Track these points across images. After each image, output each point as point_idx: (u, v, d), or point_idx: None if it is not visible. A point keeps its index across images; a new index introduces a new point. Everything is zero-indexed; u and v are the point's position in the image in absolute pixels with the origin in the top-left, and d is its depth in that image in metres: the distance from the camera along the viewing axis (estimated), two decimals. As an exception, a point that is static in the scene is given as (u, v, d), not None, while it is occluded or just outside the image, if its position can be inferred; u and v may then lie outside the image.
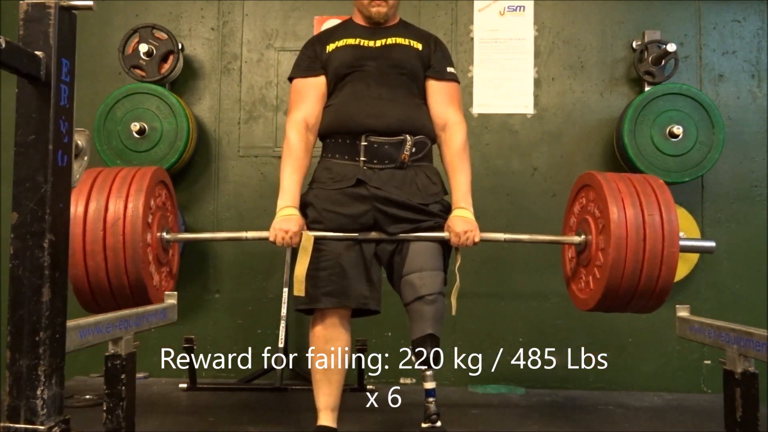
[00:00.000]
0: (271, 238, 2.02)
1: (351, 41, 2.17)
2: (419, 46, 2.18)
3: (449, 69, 2.20)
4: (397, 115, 2.09)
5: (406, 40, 2.18)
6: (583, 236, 2.25)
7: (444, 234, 2.04)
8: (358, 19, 2.24)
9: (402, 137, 2.08)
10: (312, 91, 2.16)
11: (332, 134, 2.13)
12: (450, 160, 2.14)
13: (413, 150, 2.09)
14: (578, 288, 2.33)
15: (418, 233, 2.05)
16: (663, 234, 2.06)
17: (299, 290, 2.00)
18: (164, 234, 2.21)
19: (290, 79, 2.22)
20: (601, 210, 2.16)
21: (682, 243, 2.12)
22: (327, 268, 2.01)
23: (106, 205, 2.01)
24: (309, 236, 2.01)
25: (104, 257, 2.00)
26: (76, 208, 1.98)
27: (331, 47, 2.17)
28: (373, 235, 2.05)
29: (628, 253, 2.05)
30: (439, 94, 2.18)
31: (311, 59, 2.19)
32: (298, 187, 2.09)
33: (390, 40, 2.17)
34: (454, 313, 2.08)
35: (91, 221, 1.99)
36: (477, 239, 2.05)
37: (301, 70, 2.20)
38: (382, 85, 2.11)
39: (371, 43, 2.17)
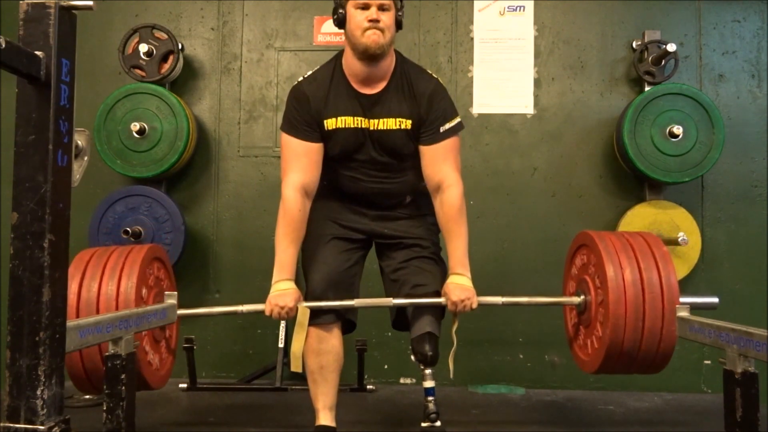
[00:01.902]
0: (267, 312, 2.01)
1: (350, 121, 2.04)
2: (409, 124, 2.04)
3: (443, 128, 2.04)
4: (397, 193, 2.15)
5: (397, 122, 2.03)
6: (582, 296, 2.20)
7: (441, 300, 2.04)
8: (351, 73, 2.04)
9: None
10: (312, 155, 2.05)
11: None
12: (445, 224, 2.07)
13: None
14: (581, 349, 2.29)
15: (414, 300, 2.06)
16: (662, 292, 2.02)
17: (296, 367, 2.01)
18: None
19: (282, 129, 2.09)
20: (598, 270, 2.12)
21: (682, 300, 2.05)
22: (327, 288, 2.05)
23: (99, 291, 1.99)
24: (305, 310, 2.00)
25: (99, 350, 1.92)
26: (70, 288, 1.94)
27: (330, 124, 2.04)
28: (368, 302, 2.07)
29: (628, 313, 2.01)
30: (430, 157, 2.06)
31: (308, 125, 2.04)
32: (294, 260, 2.05)
33: (381, 124, 2.04)
34: (452, 376, 2.10)
35: (84, 306, 1.97)
36: (474, 305, 2.04)
37: (297, 132, 2.05)
38: (380, 170, 2.09)
39: (366, 124, 2.04)
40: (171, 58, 3.14)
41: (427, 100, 2.04)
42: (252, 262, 3.26)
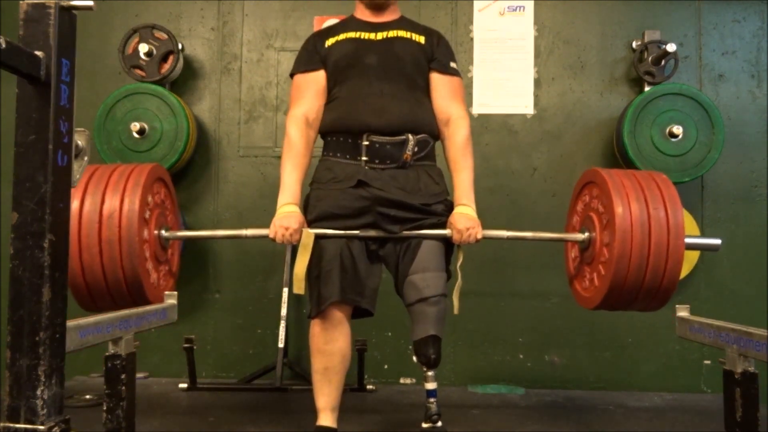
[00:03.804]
0: (271, 235, 2.01)
1: (351, 34, 2.15)
2: (422, 39, 2.16)
3: (452, 64, 2.19)
4: (399, 112, 2.06)
5: (408, 34, 2.16)
6: (587, 233, 2.23)
7: (446, 231, 2.04)
8: (360, 14, 2.21)
9: (404, 137, 2.06)
10: (312, 85, 2.14)
11: (333, 132, 2.12)
12: (452, 157, 2.13)
13: (415, 149, 2.08)
14: (582, 286, 2.31)
15: (420, 231, 2.03)
16: (668, 231, 2.02)
17: (299, 288, 1.99)
18: (162, 232, 2.21)
19: (291, 76, 2.21)
20: (605, 206, 2.13)
21: (687, 240, 2.07)
22: (333, 267, 1.99)
23: (102, 202, 1.99)
24: (309, 233, 1.99)
25: (100, 254, 1.97)
26: (72, 205, 1.96)
27: (330, 41, 2.15)
28: (375, 232, 2.04)
29: (633, 249, 2.02)
30: (442, 88, 2.16)
31: (310, 53, 2.17)
32: (299, 184, 2.08)
33: (392, 33, 2.15)
34: (456, 312, 2.07)
35: (87, 218, 1.98)
36: (479, 236, 2.04)
37: (300, 65, 2.17)
38: (384, 80, 2.08)
39: (372, 36, 2.14)
40: (171, 58, 3.14)
41: (436, 37, 2.21)
42: (252, 262, 3.26)
